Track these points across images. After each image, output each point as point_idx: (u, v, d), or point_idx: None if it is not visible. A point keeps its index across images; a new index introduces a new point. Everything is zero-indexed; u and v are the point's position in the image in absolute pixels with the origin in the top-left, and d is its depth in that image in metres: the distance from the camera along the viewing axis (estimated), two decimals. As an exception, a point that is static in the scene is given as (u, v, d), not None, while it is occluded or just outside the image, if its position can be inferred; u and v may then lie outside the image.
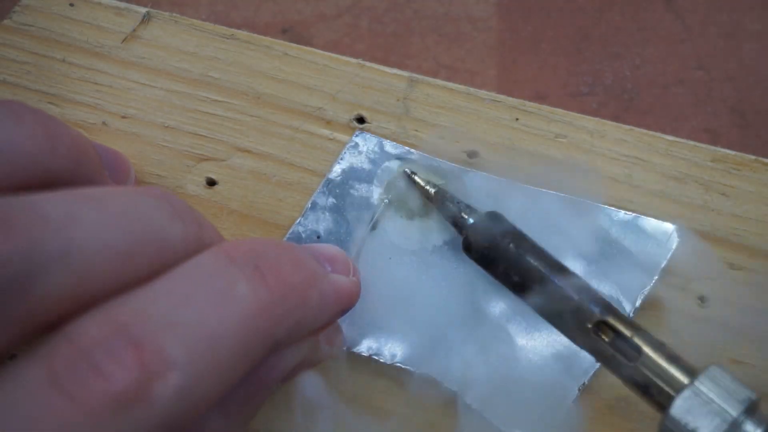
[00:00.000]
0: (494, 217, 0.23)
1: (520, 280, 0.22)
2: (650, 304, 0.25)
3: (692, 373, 0.20)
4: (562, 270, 0.22)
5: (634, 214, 0.26)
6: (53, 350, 0.15)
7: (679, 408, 0.19)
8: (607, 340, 0.21)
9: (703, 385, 0.19)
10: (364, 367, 0.25)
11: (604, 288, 0.25)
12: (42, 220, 0.16)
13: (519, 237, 0.23)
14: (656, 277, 0.25)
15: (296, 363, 0.21)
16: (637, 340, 0.20)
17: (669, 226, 0.25)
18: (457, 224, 0.24)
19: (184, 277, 0.17)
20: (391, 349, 0.25)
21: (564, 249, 0.25)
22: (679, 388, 0.19)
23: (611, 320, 0.21)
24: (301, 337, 0.20)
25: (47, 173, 0.19)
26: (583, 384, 0.24)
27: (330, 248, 0.23)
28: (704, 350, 0.25)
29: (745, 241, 0.26)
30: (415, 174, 0.26)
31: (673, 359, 0.20)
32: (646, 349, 0.20)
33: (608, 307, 0.21)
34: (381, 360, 0.25)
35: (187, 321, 0.16)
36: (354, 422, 0.25)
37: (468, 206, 0.24)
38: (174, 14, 0.30)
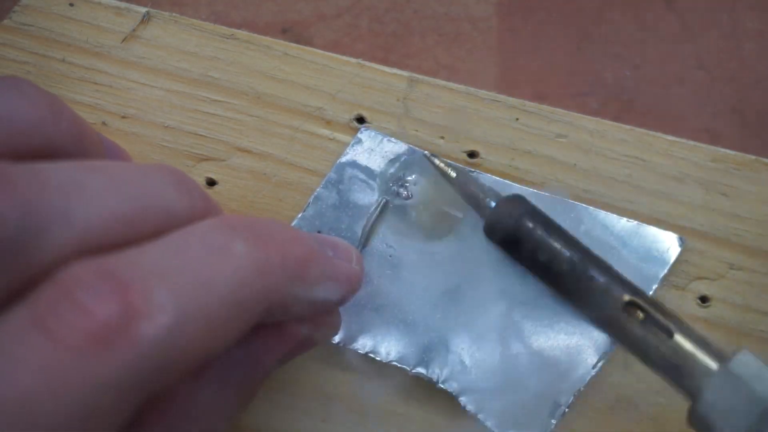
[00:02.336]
0: (517, 199, 0.23)
1: (546, 261, 0.21)
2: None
3: (722, 357, 0.19)
4: (587, 252, 0.21)
5: (636, 222, 0.26)
6: (39, 293, 0.15)
7: (711, 392, 0.19)
8: (636, 322, 0.20)
9: (734, 369, 0.19)
10: (364, 367, 0.25)
11: None
12: (43, 183, 0.16)
13: (543, 219, 0.22)
14: (655, 286, 0.25)
15: (294, 344, 0.21)
16: (668, 322, 0.20)
17: (671, 236, 0.25)
18: (479, 207, 0.24)
19: (180, 235, 0.17)
20: (387, 348, 0.25)
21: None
22: (711, 372, 0.19)
23: (641, 302, 0.20)
24: (300, 311, 0.20)
25: (50, 143, 0.19)
26: (579, 390, 0.24)
27: (333, 237, 0.23)
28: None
29: (745, 241, 0.26)
30: (435, 157, 0.26)
31: (703, 343, 0.20)
32: (677, 333, 0.20)
33: (637, 290, 0.21)
34: (377, 358, 0.25)
35: (178, 268, 0.16)
36: (354, 422, 0.25)
37: (490, 188, 0.24)
38: (174, 14, 0.30)
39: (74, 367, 0.14)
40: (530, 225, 0.22)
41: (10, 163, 0.16)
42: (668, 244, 0.25)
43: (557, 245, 0.21)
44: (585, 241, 0.25)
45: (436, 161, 0.26)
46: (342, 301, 0.21)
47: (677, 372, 0.19)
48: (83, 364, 0.14)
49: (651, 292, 0.25)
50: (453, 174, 0.25)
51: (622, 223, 0.26)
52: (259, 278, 0.17)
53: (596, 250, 0.25)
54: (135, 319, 0.15)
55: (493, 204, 0.23)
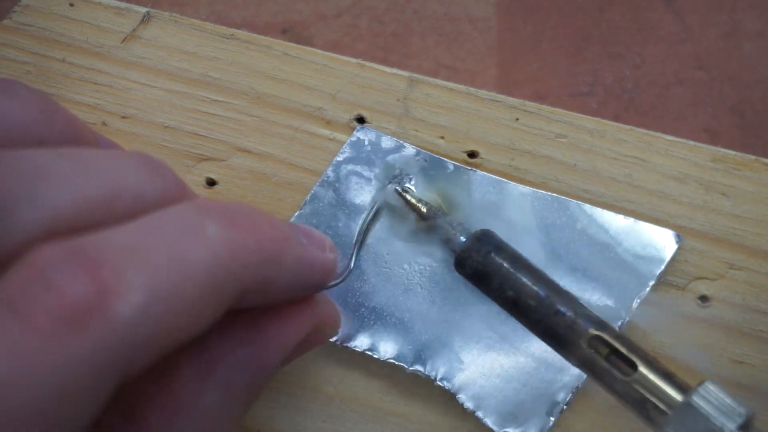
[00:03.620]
0: (486, 234, 0.23)
1: (513, 297, 0.22)
2: (650, 304, 0.25)
3: (686, 389, 0.20)
4: (555, 286, 0.22)
5: (632, 219, 0.26)
6: (8, 275, 0.15)
7: (673, 425, 0.19)
8: (601, 356, 0.21)
9: (697, 401, 0.19)
10: (364, 367, 0.25)
11: (599, 293, 0.25)
12: (9, 167, 0.16)
13: (511, 254, 0.23)
14: (652, 283, 0.25)
15: (296, 344, 0.21)
16: (632, 356, 0.20)
17: (668, 232, 0.25)
18: (449, 242, 0.24)
19: (153, 217, 0.17)
20: (386, 346, 0.25)
21: (560, 252, 0.25)
22: (673, 404, 0.20)
23: (606, 336, 0.21)
24: (272, 299, 0.20)
25: (43, 144, 0.19)
26: (577, 387, 0.24)
27: (307, 227, 0.22)
28: (704, 350, 0.25)
29: (745, 241, 0.26)
30: (407, 192, 0.26)
31: (668, 375, 0.20)
32: (641, 366, 0.20)
33: (602, 324, 0.21)
34: (375, 356, 0.25)
35: (150, 248, 0.16)
36: (354, 422, 0.25)
37: (460, 224, 0.24)
38: (174, 14, 0.30)
39: (46, 349, 0.14)
40: (498, 261, 0.23)
41: None
42: (665, 241, 0.25)
43: (524, 280, 0.22)
44: (581, 239, 0.25)
45: (408, 196, 0.26)
46: (315, 289, 0.21)
47: (641, 404, 0.20)
48: (55, 345, 0.14)
49: (648, 289, 0.25)
50: (424, 209, 0.25)
51: (619, 221, 0.26)
52: (232, 260, 0.17)
53: (593, 248, 0.25)
54: (107, 298, 0.14)
55: (462, 239, 0.24)
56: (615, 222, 0.26)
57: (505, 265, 0.22)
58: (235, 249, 0.17)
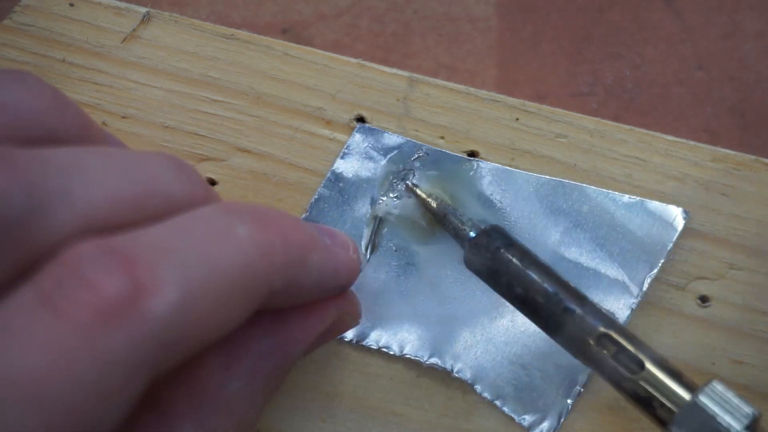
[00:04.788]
0: (496, 231, 0.23)
1: (522, 293, 0.22)
2: (650, 304, 0.25)
3: (693, 388, 0.20)
4: (563, 283, 0.22)
5: (638, 198, 0.26)
6: (44, 272, 0.15)
7: (680, 424, 0.19)
8: (609, 354, 0.21)
9: (704, 400, 0.19)
10: (364, 367, 0.25)
11: (611, 272, 0.25)
12: (46, 163, 0.16)
13: (521, 251, 0.23)
14: (662, 260, 0.25)
15: (319, 333, 0.21)
16: (640, 354, 0.21)
17: (674, 209, 0.26)
18: (459, 237, 0.24)
19: (185, 217, 0.17)
20: (400, 342, 0.25)
21: (570, 234, 0.26)
22: (680, 403, 0.20)
23: (614, 334, 0.21)
24: (298, 300, 0.20)
25: (54, 134, 0.19)
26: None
27: (330, 227, 0.23)
28: (704, 350, 0.25)
29: (745, 241, 0.26)
30: (417, 187, 0.26)
31: (675, 374, 0.20)
32: (648, 364, 0.20)
33: (610, 321, 0.21)
34: (390, 352, 0.25)
35: (183, 247, 0.16)
36: (354, 422, 0.25)
37: (470, 220, 0.24)
38: (174, 14, 0.30)
39: (82, 344, 0.14)
40: (507, 257, 0.23)
41: (13, 147, 0.16)
42: (672, 216, 0.25)
43: (533, 277, 0.22)
44: (589, 221, 0.25)
45: (418, 191, 0.26)
46: (341, 289, 0.22)
47: (648, 403, 0.20)
48: (91, 340, 0.14)
49: (659, 266, 0.25)
50: (434, 204, 0.25)
51: (625, 200, 0.26)
52: (262, 260, 0.17)
53: (601, 230, 0.25)
54: (143, 294, 0.15)
55: (472, 235, 0.24)
56: (621, 202, 0.26)
57: (514, 261, 0.22)
58: (264, 250, 0.17)
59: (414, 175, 0.27)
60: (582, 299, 0.22)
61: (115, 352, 0.14)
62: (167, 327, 0.15)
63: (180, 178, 0.19)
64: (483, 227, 0.24)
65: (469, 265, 0.23)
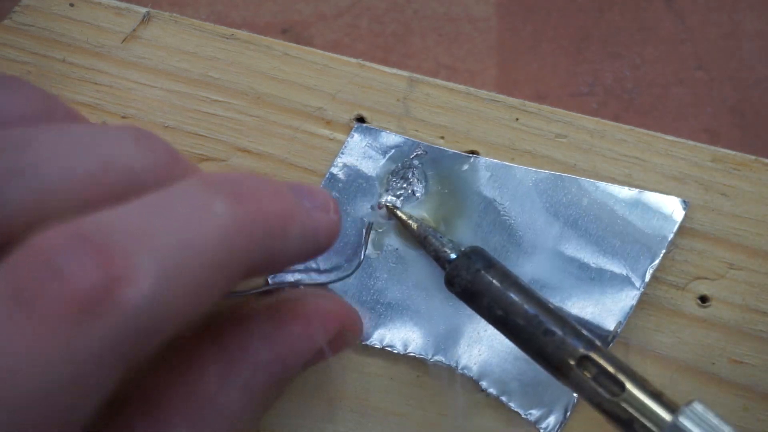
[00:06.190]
0: (476, 252, 0.23)
1: (503, 315, 0.22)
2: (650, 304, 0.25)
3: (674, 409, 0.20)
4: (544, 305, 0.22)
5: (638, 190, 0.26)
6: (11, 260, 0.14)
7: None
8: (589, 375, 0.21)
9: (684, 422, 0.19)
10: (365, 367, 0.25)
11: (612, 265, 0.25)
12: None
13: (501, 272, 0.23)
14: (664, 251, 0.25)
15: (319, 347, 0.21)
16: (620, 376, 0.21)
17: (674, 200, 0.26)
18: (439, 259, 0.24)
19: (156, 197, 0.16)
20: (404, 340, 0.25)
21: (570, 228, 0.26)
22: (661, 425, 0.20)
23: (594, 356, 0.21)
24: (278, 268, 0.20)
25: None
26: None
27: (310, 185, 0.22)
28: (704, 350, 0.25)
29: (745, 241, 0.26)
30: (397, 209, 0.26)
31: (656, 395, 0.20)
32: (629, 385, 0.20)
33: (591, 343, 0.21)
34: (394, 351, 0.25)
35: (157, 230, 0.15)
36: (355, 422, 0.25)
37: (450, 241, 0.24)
38: (174, 14, 0.30)
39: (55, 339, 0.14)
40: (487, 279, 0.23)
41: None
42: (672, 207, 0.26)
43: (513, 299, 0.22)
44: (589, 214, 0.26)
45: (399, 213, 0.26)
46: (320, 252, 0.21)
47: (629, 425, 0.20)
48: (65, 335, 0.14)
49: (660, 257, 0.25)
50: (414, 226, 0.25)
51: (625, 192, 0.26)
52: (240, 237, 0.17)
53: (601, 222, 0.25)
54: (117, 285, 0.14)
55: (452, 256, 0.24)
56: (620, 194, 0.26)
57: (494, 282, 0.22)
58: (242, 226, 0.17)
59: (413, 173, 0.27)
60: (562, 321, 0.22)
61: (90, 346, 0.14)
62: (142, 316, 0.14)
63: (141, 148, 0.18)
64: (463, 249, 0.24)
65: (450, 286, 0.23)
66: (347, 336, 0.22)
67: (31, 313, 0.14)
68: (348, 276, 0.25)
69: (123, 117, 0.29)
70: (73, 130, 0.17)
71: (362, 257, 0.25)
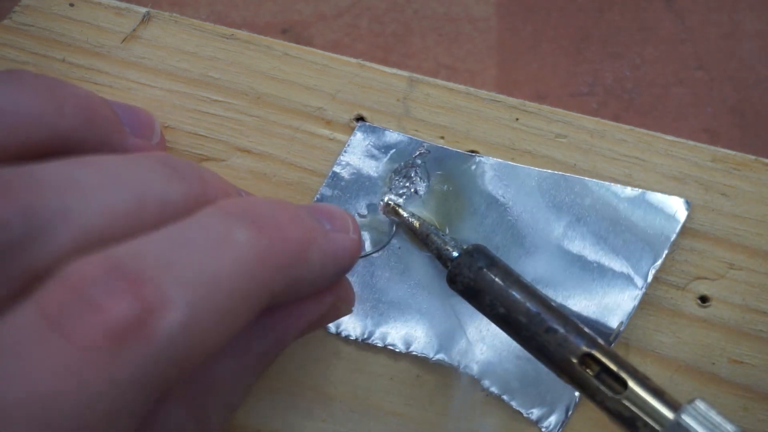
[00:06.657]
0: (478, 250, 0.23)
1: (505, 313, 0.22)
2: (650, 304, 0.25)
3: (677, 407, 0.20)
4: (546, 303, 0.22)
5: (641, 190, 0.26)
6: (47, 291, 0.15)
7: None
8: (592, 373, 0.21)
9: (687, 420, 0.19)
10: (365, 367, 0.25)
11: (615, 265, 0.25)
12: (38, 184, 0.16)
13: (503, 270, 0.23)
14: (666, 251, 0.25)
15: (312, 319, 0.21)
16: (623, 374, 0.21)
17: (677, 200, 0.26)
18: (442, 258, 0.24)
19: (181, 227, 0.17)
20: (406, 339, 0.25)
21: (573, 227, 0.26)
22: (663, 423, 0.20)
23: (597, 353, 0.21)
24: (301, 294, 0.20)
25: (54, 133, 0.19)
26: None
27: (328, 205, 0.22)
28: (704, 350, 0.25)
29: (745, 241, 0.26)
30: (399, 207, 0.26)
31: (658, 393, 0.20)
32: (631, 383, 0.20)
33: (593, 341, 0.21)
34: (396, 350, 0.25)
35: (184, 262, 0.16)
36: (354, 422, 0.25)
37: (452, 239, 0.24)
38: (174, 14, 0.30)
39: (92, 367, 0.14)
40: (490, 277, 0.23)
41: (6, 169, 0.16)
42: (675, 207, 0.26)
43: (515, 297, 0.22)
44: (592, 213, 0.26)
45: (400, 211, 0.26)
46: (343, 272, 0.21)
47: (632, 423, 0.20)
48: (101, 362, 0.14)
49: (663, 257, 0.25)
50: (416, 224, 0.25)
51: (627, 192, 0.26)
52: (261, 267, 0.17)
53: (604, 222, 0.25)
54: (150, 315, 0.15)
55: (455, 255, 0.24)
56: (623, 194, 0.26)
57: (496, 281, 0.22)
58: (263, 256, 0.17)
59: (416, 172, 0.27)
60: (565, 319, 0.22)
61: (126, 373, 0.14)
62: (175, 345, 0.15)
63: (172, 179, 0.18)
64: (465, 247, 0.24)
65: (452, 284, 0.23)
66: (341, 306, 0.22)
67: (68, 341, 0.14)
68: (373, 253, 0.25)
69: (123, 117, 0.29)
70: (110, 167, 0.18)
71: (393, 232, 0.26)
